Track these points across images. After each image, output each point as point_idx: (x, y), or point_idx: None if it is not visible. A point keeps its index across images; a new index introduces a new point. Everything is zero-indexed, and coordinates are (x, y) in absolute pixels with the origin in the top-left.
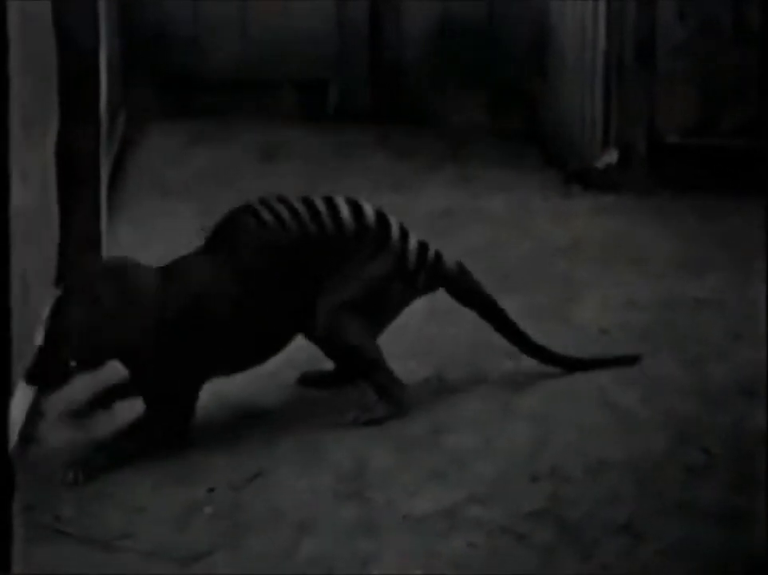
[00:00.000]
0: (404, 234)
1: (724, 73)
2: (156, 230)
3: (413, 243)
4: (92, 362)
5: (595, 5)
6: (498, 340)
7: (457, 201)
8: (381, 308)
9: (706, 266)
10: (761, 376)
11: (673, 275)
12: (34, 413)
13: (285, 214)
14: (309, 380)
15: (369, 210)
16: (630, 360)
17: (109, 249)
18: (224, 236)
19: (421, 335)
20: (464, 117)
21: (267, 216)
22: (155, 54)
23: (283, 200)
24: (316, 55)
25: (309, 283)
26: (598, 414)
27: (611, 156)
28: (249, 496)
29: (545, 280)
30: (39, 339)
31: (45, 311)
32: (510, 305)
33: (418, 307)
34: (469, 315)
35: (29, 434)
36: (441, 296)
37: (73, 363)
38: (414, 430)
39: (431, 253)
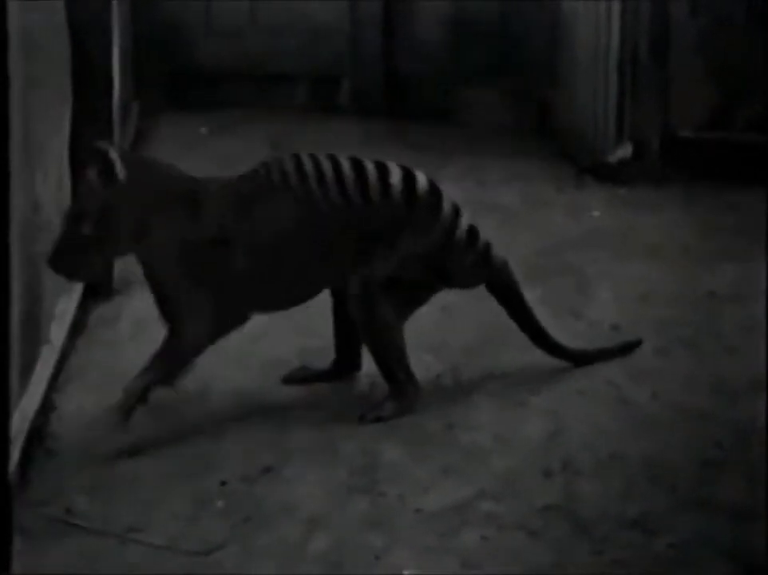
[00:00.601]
0: (456, 210)
1: (736, 69)
2: None
3: (464, 221)
4: (110, 245)
5: (608, 2)
6: (511, 336)
7: (470, 193)
8: (421, 287)
9: (719, 258)
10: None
11: (687, 268)
12: (47, 407)
13: (329, 172)
14: (294, 379)
15: (422, 178)
16: (632, 346)
17: None
18: (269, 175)
19: (435, 330)
20: (477, 113)
21: (308, 167)
22: (167, 47)
23: (331, 157)
24: (329, 50)
25: (349, 242)
26: (610, 410)
27: (625, 151)
28: (261, 490)
29: (558, 273)
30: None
31: (59, 306)
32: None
33: (432, 301)
34: (482, 312)
35: (41, 427)
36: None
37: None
38: (427, 426)
39: (482, 239)
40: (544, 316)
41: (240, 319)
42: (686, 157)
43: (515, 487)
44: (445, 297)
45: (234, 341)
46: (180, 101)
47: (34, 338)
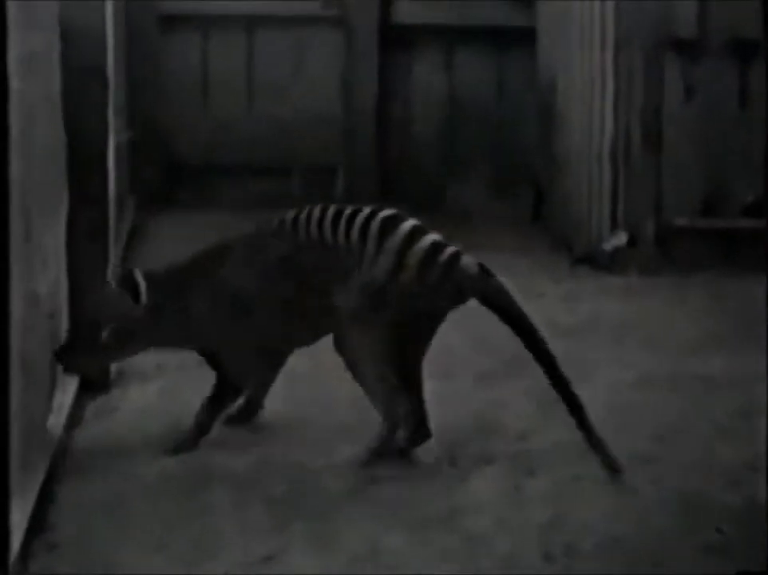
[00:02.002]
0: (412, 234)
1: (730, 156)
2: None
3: (424, 241)
4: (123, 352)
5: (602, 87)
6: (507, 421)
7: None
8: (393, 311)
9: (715, 345)
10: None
11: (682, 355)
12: (46, 499)
13: (315, 219)
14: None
15: (379, 216)
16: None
17: None
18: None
19: (431, 417)
20: (471, 201)
21: (288, 224)
22: (162, 139)
23: (321, 208)
24: (324, 140)
25: (323, 288)
26: (610, 494)
27: (620, 239)
28: None
29: None
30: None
31: (55, 399)
32: (520, 388)
33: (428, 388)
34: (478, 398)
35: (41, 520)
36: (451, 380)
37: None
38: (427, 512)
39: (447, 251)
40: (540, 405)
41: (278, 355)
42: (680, 245)
43: (516, 571)
44: (437, 385)
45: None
46: (176, 194)
47: (31, 430)
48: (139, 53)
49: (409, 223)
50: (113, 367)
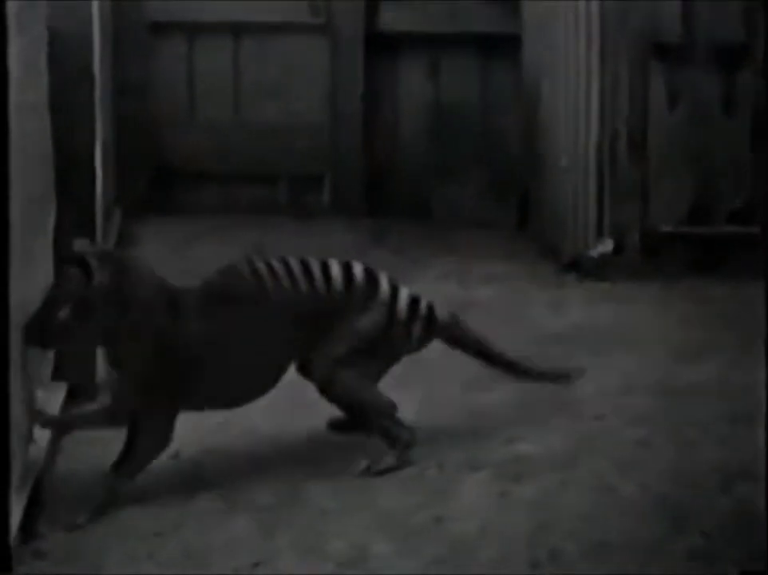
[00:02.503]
0: (394, 288)
1: (715, 162)
2: None
3: (403, 296)
4: (81, 335)
5: (587, 94)
6: (494, 427)
7: (452, 292)
8: (377, 357)
9: (701, 351)
10: (758, 459)
11: (669, 361)
12: (34, 507)
13: (280, 270)
14: (336, 425)
15: (358, 268)
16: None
17: None
18: (221, 282)
19: (417, 423)
20: (457, 207)
21: (262, 268)
22: (149, 146)
23: (281, 259)
24: (310, 147)
25: (301, 336)
26: (597, 500)
27: (606, 246)
28: None
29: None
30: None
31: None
32: (506, 393)
33: (415, 395)
34: (465, 404)
35: (29, 527)
36: (438, 386)
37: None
38: (415, 518)
39: (423, 305)
40: (526, 410)
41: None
42: (666, 251)
43: None
44: (427, 389)
45: (220, 435)
46: (162, 202)
47: (20, 438)
48: (127, 58)
49: (385, 275)
50: (99, 375)
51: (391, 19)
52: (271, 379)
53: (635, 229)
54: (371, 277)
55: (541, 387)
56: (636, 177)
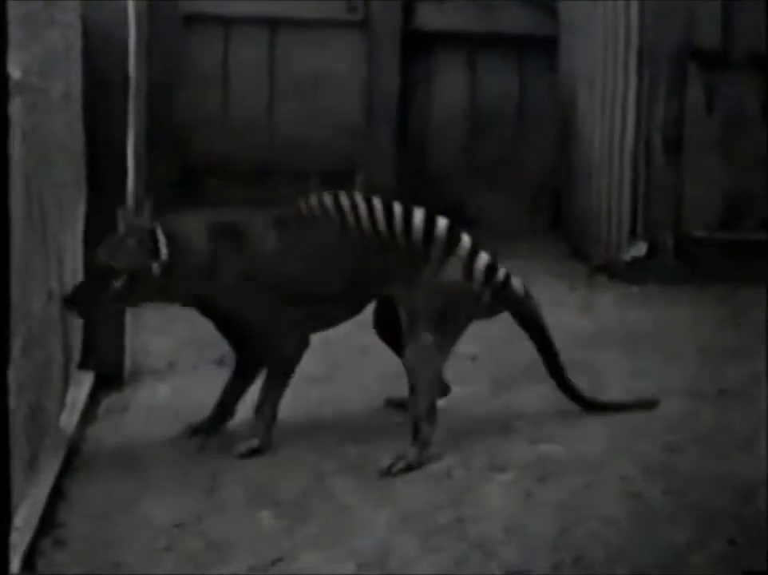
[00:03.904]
0: (474, 248)
1: (751, 168)
2: (180, 311)
3: (482, 258)
4: (136, 299)
5: (624, 98)
6: (521, 429)
7: None
8: (453, 318)
9: (731, 357)
10: None
11: (698, 366)
12: (56, 496)
13: (362, 207)
14: (394, 402)
15: (441, 221)
16: (649, 404)
17: (133, 329)
18: (297, 213)
19: (443, 424)
20: (490, 208)
21: (345, 202)
22: (182, 142)
23: (365, 198)
24: (343, 145)
25: (374, 275)
26: (622, 505)
27: (639, 249)
28: None
29: (571, 371)
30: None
31: (69, 395)
32: (534, 394)
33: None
34: (493, 404)
35: (50, 516)
36: (467, 386)
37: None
38: (438, 518)
39: (501, 272)
40: (556, 412)
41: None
42: (699, 256)
43: None
44: (453, 390)
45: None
46: (193, 197)
47: (43, 426)
48: (160, 52)
49: (467, 234)
50: (127, 365)
51: (428, 18)
52: (355, 305)
53: (668, 233)
54: (453, 232)
55: None
56: (671, 181)
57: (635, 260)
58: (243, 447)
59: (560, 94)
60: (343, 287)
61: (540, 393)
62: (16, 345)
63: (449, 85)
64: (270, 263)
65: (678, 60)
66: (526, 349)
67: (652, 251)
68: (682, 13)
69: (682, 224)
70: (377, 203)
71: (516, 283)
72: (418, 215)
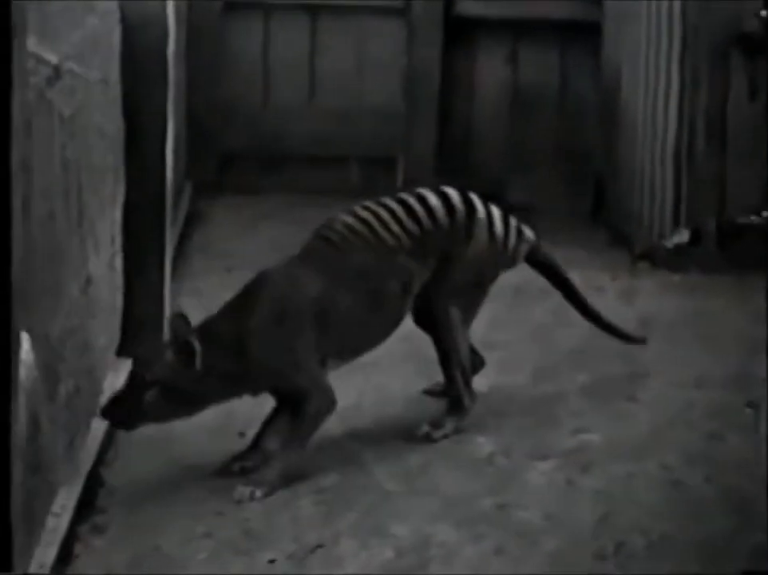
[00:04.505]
0: (487, 207)
1: None
2: (219, 303)
3: (496, 212)
4: (170, 413)
5: (667, 84)
6: (562, 418)
7: (525, 279)
8: (482, 284)
9: None
10: None
11: (741, 354)
12: (95, 482)
13: (381, 212)
14: (434, 392)
15: (454, 195)
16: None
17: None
18: (320, 239)
19: (487, 412)
20: (532, 194)
21: (366, 215)
22: (222, 127)
23: (377, 201)
24: (385, 132)
25: (414, 276)
26: (663, 493)
27: (682, 236)
28: (310, 568)
29: (612, 358)
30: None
31: (107, 381)
32: (576, 382)
33: (486, 382)
34: (532, 394)
35: (89, 502)
36: (509, 374)
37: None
38: (479, 506)
39: (513, 222)
40: (597, 399)
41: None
42: (742, 243)
43: (567, 570)
44: (495, 377)
45: None
46: (233, 182)
47: (82, 413)
48: (200, 38)
49: (475, 196)
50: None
51: (470, 4)
52: (391, 321)
53: (711, 220)
54: (468, 201)
55: (612, 379)
56: (714, 168)
57: (678, 247)
58: (245, 492)
59: (603, 81)
60: (390, 299)
61: (582, 381)
62: (54, 332)
63: (491, 72)
64: (317, 305)
65: (721, 46)
66: (569, 336)
67: (695, 237)
68: None
69: (725, 211)
70: (391, 203)
71: (527, 229)
72: (432, 198)
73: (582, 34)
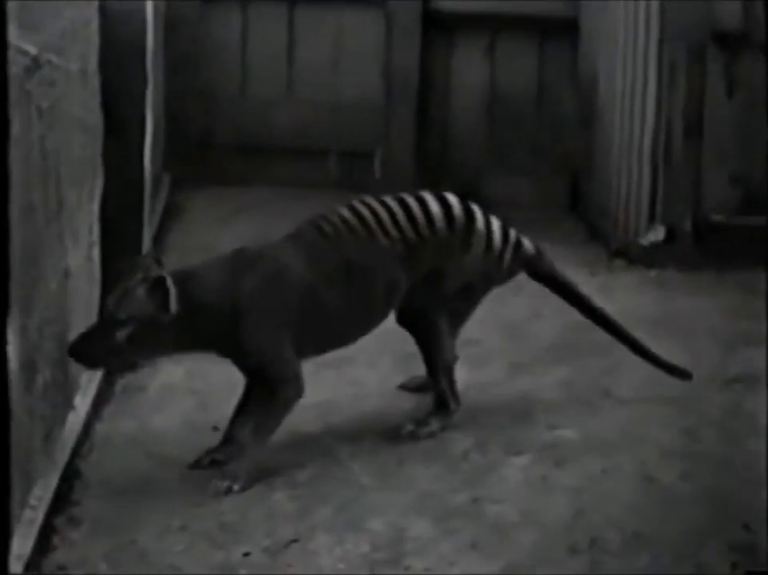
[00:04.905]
0: (487, 218)
1: None
2: None
3: (496, 225)
4: (136, 355)
5: (644, 81)
6: (538, 414)
7: None
8: (473, 295)
9: (749, 341)
10: None
11: (715, 351)
12: (71, 474)
13: (380, 211)
14: (410, 386)
15: (454, 202)
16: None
17: None
18: (313, 227)
19: (463, 408)
20: (508, 189)
21: (364, 212)
22: (200, 118)
23: (378, 199)
24: (363, 125)
25: (402, 278)
26: (638, 488)
27: (657, 234)
28: (284, 562)
29: (587, 354)
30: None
31: (84, 373)
32: (552, 377)
33: (461, 377)
34: (510, 387)
35: (65, 495)
36: (484, 368)
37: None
38: (454, 500)
39: (512, 233)
40: (572, 395)
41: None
42: (717, 242)
43: (541, 563)
44: (470, 372)
45: None
46: (211, 174)
47: (59, 405)
48: (179, 29)
49: (476, 206)
50: None
51: None
52: (370, 320)
53: (686, 218)
54: (468, 210)
55: (588, 374)
56: (691, 165)
57: (654, 245)
58: (220, 486)
59: (580, 77)
60: (374, 299)
61: (558, 376)
62: (32, 323)
63: (469, 66)
64: (301, 290)
65: (698, 43)
66: (544, 331)
67: (670, 235)
68: None
69: (700, 209)
70: (392, 203)
71: (527, 242)
72: (433, 204)
73: (560, 30)
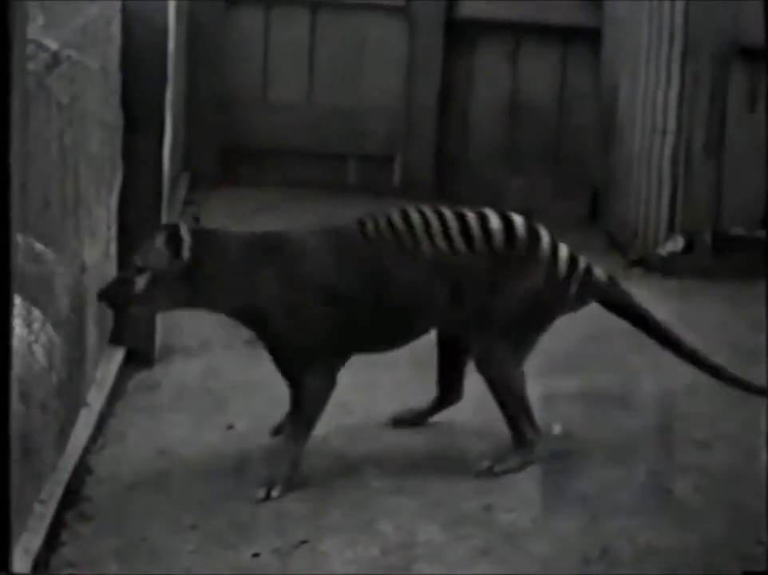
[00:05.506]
0: (554, 243)
1: None
2: None
3: (563, 253)
4: (155, 304)
5: (666, 92)
6: (553, 421)
7: None
8: (535, 323)
9: (764, 355)
10: None
11: (732, 363)
12: (83, 470)
13: (434, 222)
14: (401, 420)
15: (519, 221)
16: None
17: None
18: (356, 224)
19: (475, 414)
20: (528, 198)
21: (415, 218)
22: (221, 119)
23: (436, 210)
24: (383, 130)
25: (452, 289)
26: (651, 500)
27: (676, 244)
28: (295, 564)
29: (604, 363)
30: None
31: (99, 369)
32: (569, 386)
33: (476, 386)
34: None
35: (76, 490)
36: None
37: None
38: (466, 507)
39: (582, 264)
40: (588, 403)
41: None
42: (736, 254)
43: (553, 573)
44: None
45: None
46: (230, 174)
47: (73, 400)
48: (201, 31)
49: (544, 228)
50: (159, 342)
51: (471, 6)
52: (399, 335)
53: (706, 229)
54: (532, 231)
55: (603, 384)
56: (711, 177)
57: (673, 255)
58: (260, 493)
59: (602, 87)
60: (407, 309)
61: (573, 386)
62: (47, 319)
63: (491, 74)
64: (320, 276)
65: (721, 57)
66: (561, 340)
67: (689, 246)
68: (727, 10)
69: (720, 221)
70: (448, 214)
71: (598, 271)
72: (494, 220)
73: (582, 39)
